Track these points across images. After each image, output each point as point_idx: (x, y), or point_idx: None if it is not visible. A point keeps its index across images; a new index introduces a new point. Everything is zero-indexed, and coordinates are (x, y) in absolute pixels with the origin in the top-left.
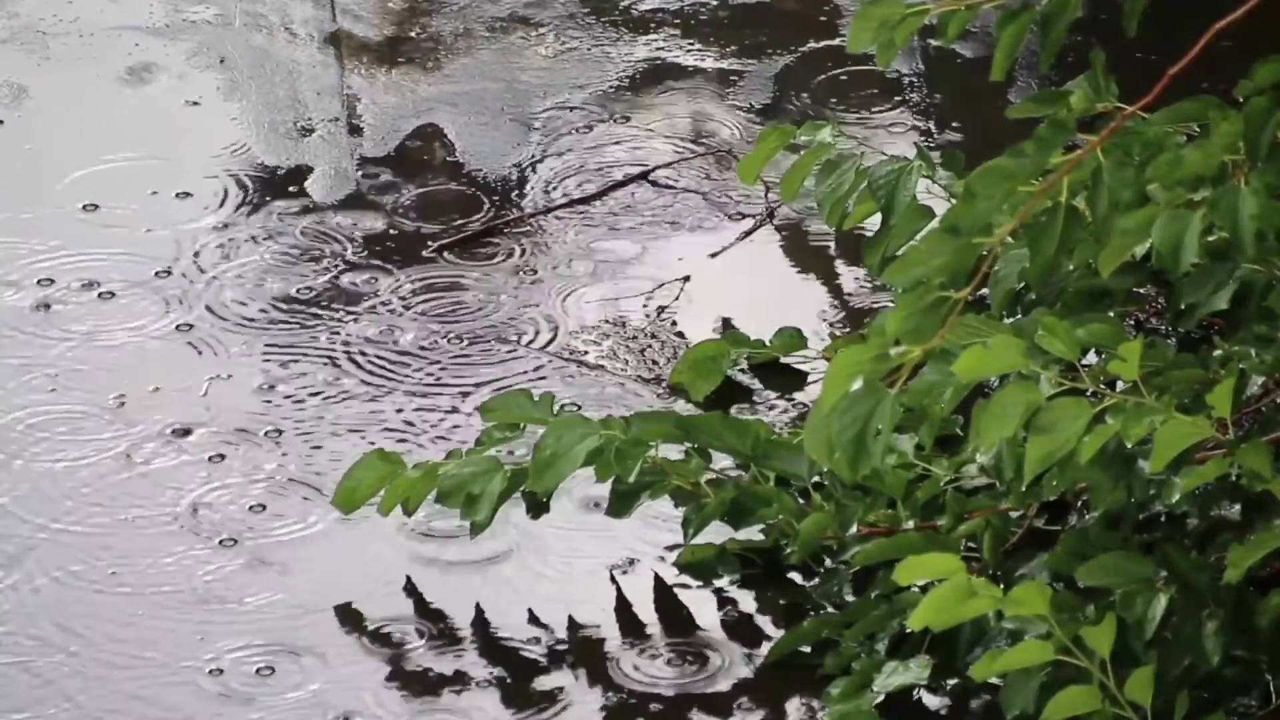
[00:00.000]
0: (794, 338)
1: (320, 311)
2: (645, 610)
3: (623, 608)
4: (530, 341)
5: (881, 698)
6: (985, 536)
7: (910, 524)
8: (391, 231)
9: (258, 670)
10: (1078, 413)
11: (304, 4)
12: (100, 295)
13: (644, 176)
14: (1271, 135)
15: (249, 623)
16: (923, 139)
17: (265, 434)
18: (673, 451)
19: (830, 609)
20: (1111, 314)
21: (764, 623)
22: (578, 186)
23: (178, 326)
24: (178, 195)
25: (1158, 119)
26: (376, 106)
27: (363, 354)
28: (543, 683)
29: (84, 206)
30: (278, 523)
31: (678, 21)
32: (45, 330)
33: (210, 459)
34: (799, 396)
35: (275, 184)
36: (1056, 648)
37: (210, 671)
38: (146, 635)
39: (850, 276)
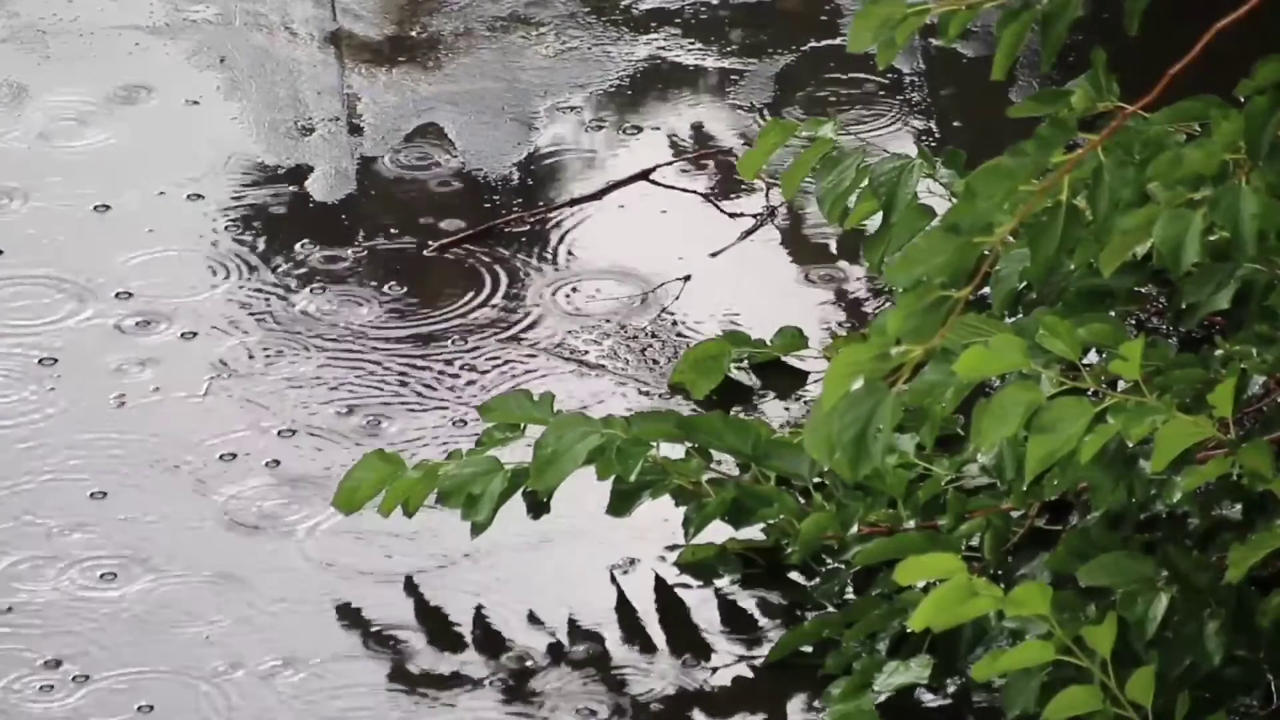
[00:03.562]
0: (794, 337)
1: (322, 311)
2: (645, 610)
3: (623, 608)
4: (530, 340)
5: (882, 698)
6: (986, 536)
7: (911, 524)
8: (392, 231)
9: (270, 669)
10: (1079, 412)
11: (304, 3)
12: (116, 295)
13: (644, 176)
14: (1272, 134)
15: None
16: (923, 138)
17: (278, 434)
18: (673, 451)
19: (831, 609)
20: (1113, 313)
21: (764, 623)
22: (578, 186)
23: (180, 331)
24: (185, 196)
25: (1158, 118)
26: (377, 106)
27: (365, 353)
28: (543, 683)
29: (95, 208)
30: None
31: (678, 21)
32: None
33: (221, 457)
34: (800, 396)
35: (275, 183)
36: (1057, 648)
37: (221, 670)
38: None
39: (851, 275)
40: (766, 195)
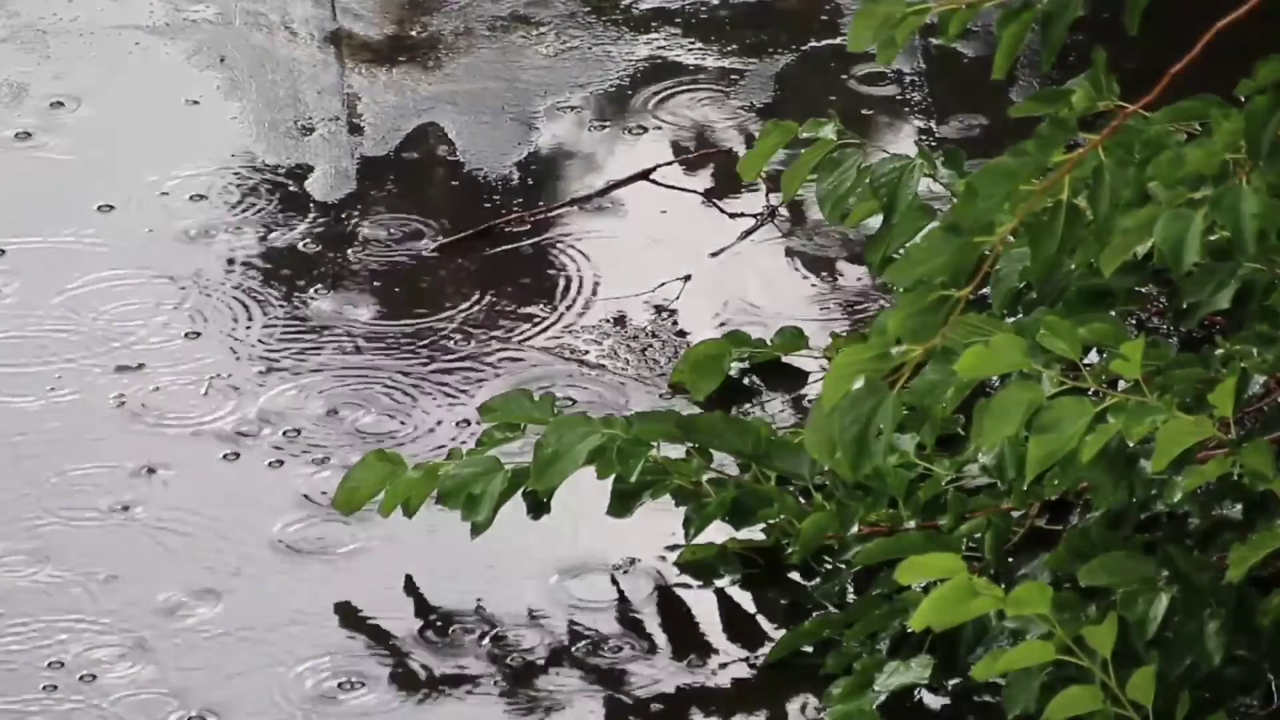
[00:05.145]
0: (795, 337)
1: (323, 311)
2: (645, 610)
3: (623, 608)
4: (530, 340)
5: (883, 697)
6: (987, 536)
7: (912, 523)
8: (392, 231)
9: (267, 669)
10: (1079, 412)
11: (304, 3)
12: (117, 294)
13: (644, 176)
14: (1273, 134)
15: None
16: (924, 137)
17: (282, 434)
18: (674, 451)
19: (831, 609)
20: (1113, 313)
21: (764, 623)
22: (578, 186)
23: (185, 332)
24: (186, 197)
25: (1159, 118)
26: (377, 105)
27: (366, 353)
28: (543, 683)
29: (98, 208)
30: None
31: (679, 20)
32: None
33: (225, 457)
34: (800, 396)
35: (275, 183)
36: (1058, 647)
37: (218, 669)
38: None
39: (851, 275)
40: (766, 195)
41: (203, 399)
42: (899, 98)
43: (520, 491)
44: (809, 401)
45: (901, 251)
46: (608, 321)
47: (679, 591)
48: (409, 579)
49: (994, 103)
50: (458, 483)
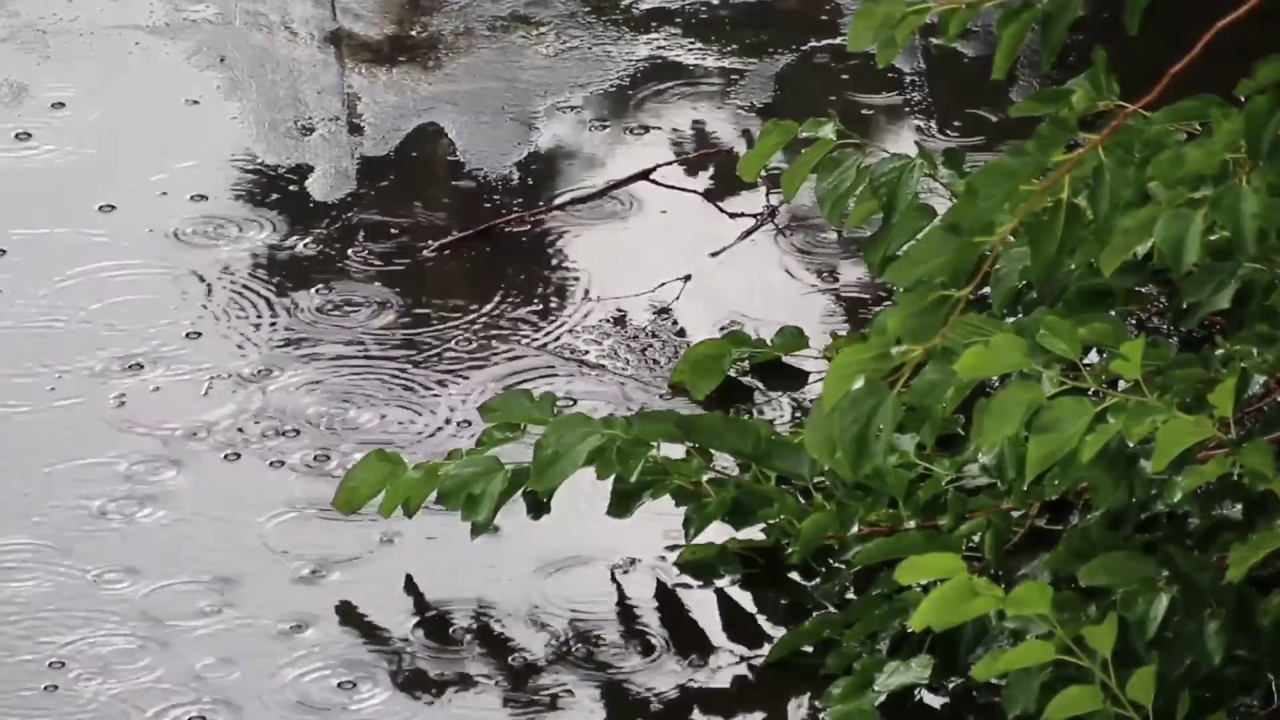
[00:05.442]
0: (795, 337)
1: (323, 311)
2: (645, 610)
3: (623, 608)
4: (531, 340)
5: (883, 697)
6: (987, 536)
7: (912, 523)
8: (392, 231)
9: (268, 668)
10: (1079, 412)
11: (304, 3)
12: (118, 294)
13: (644, 175)
14: (1273, 134)
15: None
16: (923, 137)
17: (281, 434)
18: (674, 451)
19: (831, 609)
20: (1113, 313)
21: (764, 623)
22: (578, 186)
23: (186, 332)
24: (187, 197)
25: (1159, 117)
26: (377, 105)
27: (366, 353)
28: (543, 683)
29: (100, 208)
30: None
31: (679, 20)
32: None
33: (226, 457)
34: (800, 396)
35: (276, 183)
36: (1058, 647)
37: (217, 669)
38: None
39: (851, 275)
40: (766, 195)
41: (203, 398)
42: (899, 98)
43: (520, 491)
44: (809, 401)
45: (902, 251)
46: (608, 321)
47: (679, 591)
48: (409, 579)
49: (994, 103)
50: (458, 483)
